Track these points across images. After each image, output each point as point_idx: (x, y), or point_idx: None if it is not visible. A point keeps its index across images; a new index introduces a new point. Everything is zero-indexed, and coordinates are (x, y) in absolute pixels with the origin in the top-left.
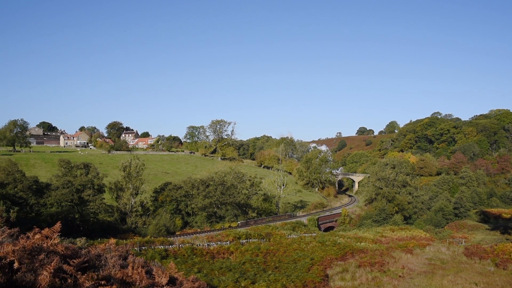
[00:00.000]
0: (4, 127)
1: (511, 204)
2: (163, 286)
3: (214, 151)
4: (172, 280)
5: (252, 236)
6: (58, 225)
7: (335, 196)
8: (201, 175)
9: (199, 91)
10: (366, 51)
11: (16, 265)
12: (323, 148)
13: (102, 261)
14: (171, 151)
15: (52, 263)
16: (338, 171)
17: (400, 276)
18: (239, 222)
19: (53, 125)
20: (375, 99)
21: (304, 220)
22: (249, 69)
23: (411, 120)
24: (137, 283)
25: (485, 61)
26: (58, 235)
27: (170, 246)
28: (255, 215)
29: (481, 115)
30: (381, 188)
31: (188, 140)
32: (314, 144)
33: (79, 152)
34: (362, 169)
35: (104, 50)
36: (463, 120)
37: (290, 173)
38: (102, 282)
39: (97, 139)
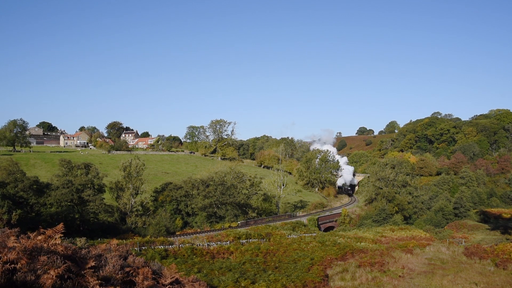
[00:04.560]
0: (4, 127)
1: (511, 204)
2: (165, 286)
3: (214, 151)
4: (174, 281)
5: (252, 236)
6: (61, 226)
7: (335, 196)
8: (201, 175)
9: (199, 91)
10: (366, 51)
11: (18, 265)
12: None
13: (103, 261)
14: (171, 151)
15: (62, 266)
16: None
17: (400, 276)
18: (239, 222)
19: (53, 125)
20: (375, 99)
21: (304, 220)
22: (249, 69)
23: (411, 120)
24: (139, 283)
25: (485, 61)
26: (60, 236)
27: (170, 246)
28: (255, 215)
29: (481, 115)
30: (381, 188)
31: (188, 140)
32: (315, 141)
33: (80, 152)
34: (362, 169)
35: (104, 50)
36: (463, 120)
37: (290, 173)
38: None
39: (97, 139)
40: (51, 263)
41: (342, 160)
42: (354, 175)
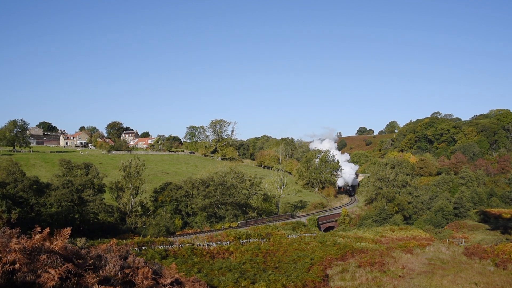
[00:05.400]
0: (4, 127)
1: (511, 204)
2: (165, 286)
3: (214, 151)
4: (174, 281)
5: (252, 236)
6: (67, 231)
7: (335, 196)
8: (201, 175)
9: (199, 91)
10: (366, 51)
11: (17, 265)
12: (326, 143)
13: (103, 262)
14: (171, 151)
15: (62, 267)
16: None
17: (400, 276)
18: (239, 222)
19: (53, 125)
20: (375, 99)
21: (304, 220)
22: (249, 69)
23: (411, 120)
24: (139, 283)
25: (485, 61)
26: (67, 239)
27: (170, 246)
28: (255, 215)
29: (481, 115)
30: (381, 188)
31: (188, 140)
32: (315, 139)
33: (80, 152)
34: (362, 169)
35: (104, 50)
36: (463, 120)
37: (290, 173)
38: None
39: (97, 139)
40: (51, 263)
41: (344, 158)
42: (357, 175)
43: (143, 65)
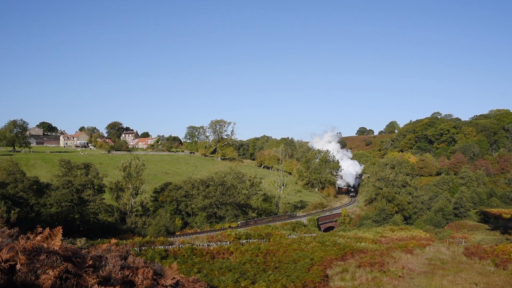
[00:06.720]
0: (4, 127)
1: (511, 204)
2: (165, 286)
3: (214, 151)
4: (174, 282)
5: (252, 236)
6: (59, 229)
7: (335, 196)
8: (201, 175)
9: (199, 91)
10: (366, 51)
11: (17, 266)
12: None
13: (103, 262)
14: (171, 151)
15: (61, 266)
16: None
17: (400, 276)
18: (239, 222)
19: (53, 125)
20: (375, 99)
21: (304, 220)
22: (249, 69)
23: (411, 120)
24: (139, 284)
25: (485, 61)
26: (61, 237)
27: (170, 246)
28: (255, 215)
29: (481, 115)
30: (381, 188)
31: (188, 140)
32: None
33: (79, 152)
34: (362, 169)
35: (104, 50)
36: (463, 120)
37: (290, 173)
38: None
39: (97, 139)
40: (51, 263)
41: (346, 155)
42: (361, 175)
43: (143, 65)
